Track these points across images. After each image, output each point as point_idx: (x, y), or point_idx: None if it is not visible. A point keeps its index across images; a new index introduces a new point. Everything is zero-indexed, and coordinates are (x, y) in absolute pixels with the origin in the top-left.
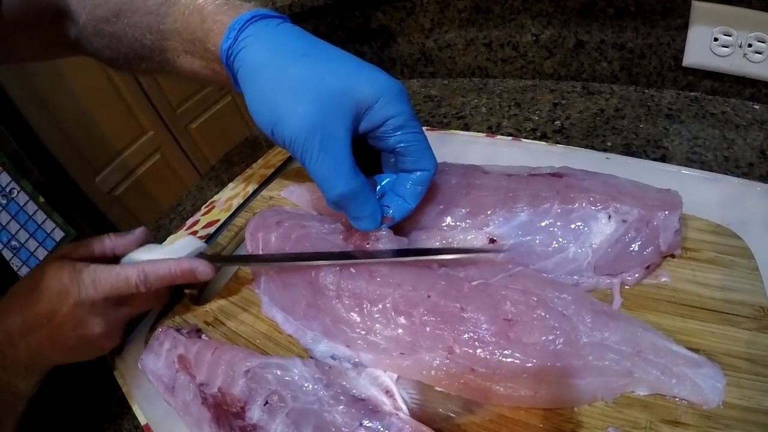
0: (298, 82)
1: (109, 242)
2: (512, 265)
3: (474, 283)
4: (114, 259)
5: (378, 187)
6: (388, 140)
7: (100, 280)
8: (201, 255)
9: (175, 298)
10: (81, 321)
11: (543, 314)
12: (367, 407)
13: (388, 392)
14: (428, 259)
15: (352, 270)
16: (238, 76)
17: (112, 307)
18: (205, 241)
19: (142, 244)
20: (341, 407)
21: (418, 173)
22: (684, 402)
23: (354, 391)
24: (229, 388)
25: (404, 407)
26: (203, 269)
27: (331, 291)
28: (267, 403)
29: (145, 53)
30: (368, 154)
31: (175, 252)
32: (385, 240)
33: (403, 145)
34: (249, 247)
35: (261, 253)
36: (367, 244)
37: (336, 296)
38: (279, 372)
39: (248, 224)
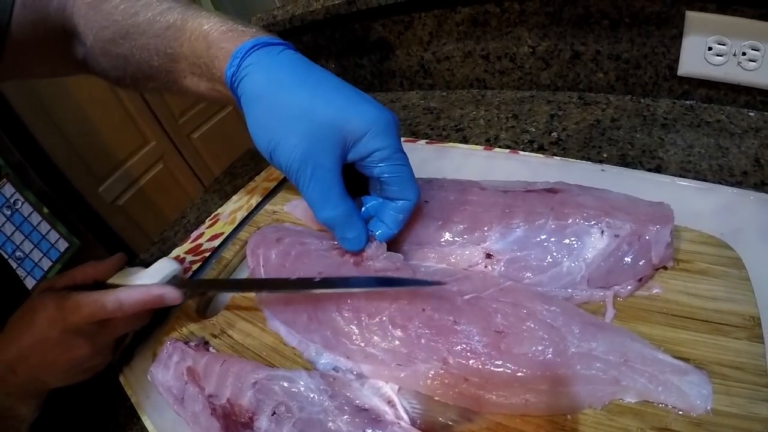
0: (292, 113)
1: (91, 269)
2: (503, 280)
3: (466, 297)
4: (96, 284)
5: (363, 209)
6: (373, 169)
7: (81, 306)
8: (174, 279)
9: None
10: (69, 344)
11: (532, 326)
12: (370, 417)
13: (389, 402)
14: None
15: None
16: (241, 102)
17: (95, 330)
18: (209, 255)
19: (121, 268)
20: (345, 417)
21: (400, 202)
22: (675, 409)
23: (357, 401)
24: (237, 400)
25: (405, 416)
26: (171, 296)
27: (331, 304)
28: (274, 413)
29: (152, 74)
30: (359, 176)
31: (151, 275)
32: (380, 258)
33: (387, 175)
34: (250, 264)
35: (262, 269)
36: (363, 261)
37: (336, 309)
38: (285, 384)
39: (249, 241)
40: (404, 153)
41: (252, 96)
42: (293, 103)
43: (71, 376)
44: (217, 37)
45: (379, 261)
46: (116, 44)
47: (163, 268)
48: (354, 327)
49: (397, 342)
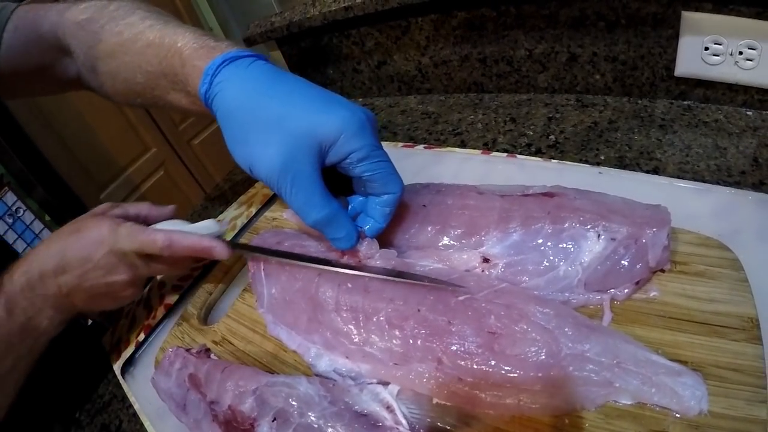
0: (266, 126)
1: (144, 208)
2: (497, 281)
3: (461, 298)
4: (145, 224)
5: (350, 207)
6: (353, 170)
7: (133, 235)
8: (218, 238)
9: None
10: (111, 268)
11: (526, 327)
12: (369, 422)
13: (388, 407)
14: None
15: (349, 285)
16: (217, 119)
17: (138, 262)
18: (210, 263)
19: (170, 218)
20: (345, 422)
21: (385, 196)
22: (672, 412)
23: (357, 407)
24: (238, 406)
25: (404, 421)
26: (220, 250)
27: (330, 305)
28: (275, 419)
29: (138, 90)
30: (342, 175)
31: (197, 230)
32: (377, 257)
33: (368, 173)
34: (251, 267)
35: (262, 272)
36: (360, 261)
37: (335, 310)
38: (286, 390)
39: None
40: (382, 149)
41: (226, 112)
42: (266, 115)
43: (99, 302)
44: (190, 54)
45: (375, 260)
46: (104, 62)
47: (210, 226)
48: (352, 327)
49: (393, 341)
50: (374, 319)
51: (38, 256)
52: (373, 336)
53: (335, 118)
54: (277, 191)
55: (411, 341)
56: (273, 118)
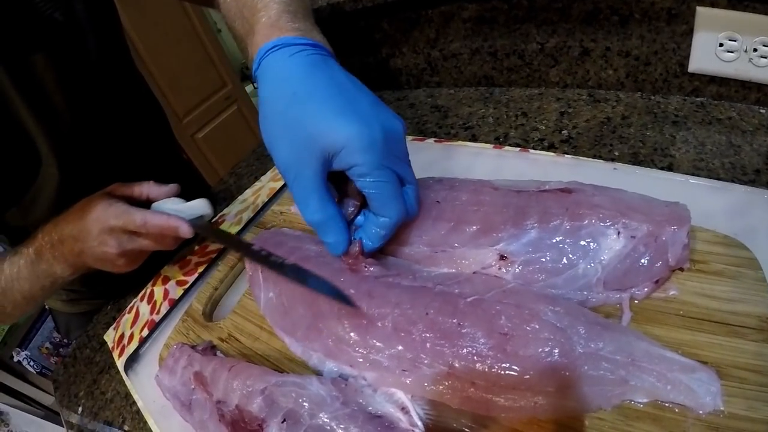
0: (284, 124)
1: (146, 188)
2: (506, 281)
3: (469, 299)
4: (148, 202)
5: (358, 217)
6: (356, 182)
7: (118, 214)
8: (200, 218)
9: None
10: (102, 241)
11: (537, 327)
12: (383, 424)
13: (403, 409)
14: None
15: (352, 291)
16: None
17: (125, 239)
18: (216, 256)
19: (171, 196)
20: (358, 424)
21: (381, 219)
22: (691, 413)
23: (370, 408)
24: (246, 406)
25: (419, 423)
26: (183, 230)
27: (331, 312)
28: (285, 420)
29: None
30: None
31: (188, 208)
32: (376, 266)
33: (366, 190)
34: (249, 269)
35: (260, 274)
36: (364, 266)
37: (336, 317)
38: (296, 390)
39: None
40: (387, 169)
41: (262, 98)
42: (285, 115)
43: (102, 265)
44: (257, 29)
45: (376, 271)
46: None
47: (196, 207)
48: (355, 335)
49: (400, 347)
50: (379, 325)
51: (60, 224)
52: (378, 343)
53: (341, 130)
54: (285, 181)
55: (420, 346)
56: (290, 118)
